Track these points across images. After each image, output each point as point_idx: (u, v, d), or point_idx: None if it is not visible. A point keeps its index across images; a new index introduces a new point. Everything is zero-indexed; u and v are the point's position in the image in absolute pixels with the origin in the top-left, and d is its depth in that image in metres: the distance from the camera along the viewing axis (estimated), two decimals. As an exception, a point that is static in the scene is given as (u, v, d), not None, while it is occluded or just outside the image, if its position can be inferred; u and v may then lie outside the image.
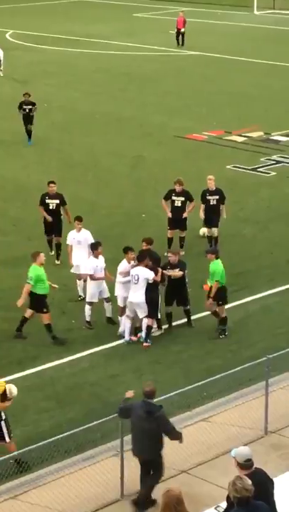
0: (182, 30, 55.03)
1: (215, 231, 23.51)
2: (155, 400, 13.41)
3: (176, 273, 19.35)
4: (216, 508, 11.88)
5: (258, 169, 31.11)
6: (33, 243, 23.55)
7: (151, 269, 19.00)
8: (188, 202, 23.72)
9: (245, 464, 10.69)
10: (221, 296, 19.21)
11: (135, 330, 19.27)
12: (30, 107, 33.02)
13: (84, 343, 19.10)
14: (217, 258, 19.19)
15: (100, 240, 20.61)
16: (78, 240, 21.02)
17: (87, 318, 19.76)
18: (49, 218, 23.01)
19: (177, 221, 23.67)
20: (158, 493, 13.09)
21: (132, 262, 19.23)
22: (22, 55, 52.25)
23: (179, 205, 23.67)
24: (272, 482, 11.06)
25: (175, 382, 16.47)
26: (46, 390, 17.19)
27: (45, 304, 19.06)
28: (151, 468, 13.50)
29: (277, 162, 31.89)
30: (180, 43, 55.39)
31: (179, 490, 10.39)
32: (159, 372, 17.91)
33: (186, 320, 19.84)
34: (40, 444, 13.49)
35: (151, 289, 18.92)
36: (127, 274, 19.09)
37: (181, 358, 18.52)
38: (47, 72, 47.70)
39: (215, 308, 19.33)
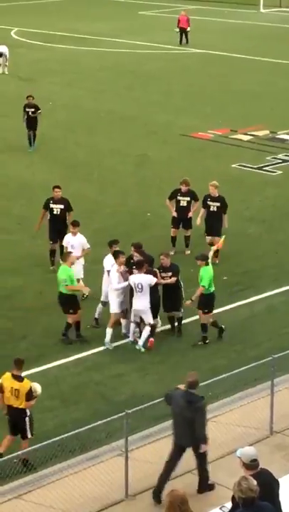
0: (188, 29, 54.87)
1: (217, 240, 23.13)
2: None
3: (169, 281, 19.14)
4: (221, 509, 11.85)
5: (264, 168, 31.04)
6: (37, 242, 23.53)
7: (149, 272, 18.89)
8: (193, 201, 23.65)
9: (251, 464, 10.66)
10: (207, 303, 18.87)
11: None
12: (33, 109, 32.68)
13: (89, 343, 19.05)
14: (207, 264, 18.93)
15: (110, 238, 20.34)
16: (72, 244, 20.97)
17: (96, 316, 19.72)
18: (38, 227, 22.80)
19: (183, 221, 23.61)
20: (163, 493, 13.07)
21: (123, 267, 19.06)
22: (27, 53, 52.20)
23: (185, 204, 23.60)
24: (277, 483, 11.02)
25: (180, 383, 16.37)
26: (51, 389, 17.12)
27: (72, 305, 19.05)
28: (195, 453, 13.72)
29: (283, 161, 31.80)
30: (184, 41, 55.23)
31: (183, 490, 10.38)
32: (164, 372, 17.87)
33: (181, 323, 19.47)
34: (45, 443, 13.47)
35: (150, 291, 18.82)
36: (123, 279, 18.94)
37: (186, 358, 18.46)
38: (51, 70, 47.65)
39: (210, 319, 19.05)
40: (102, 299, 19.70)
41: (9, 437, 15.02)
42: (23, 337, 19.36)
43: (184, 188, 23.61)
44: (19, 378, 14.87)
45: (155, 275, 18.98)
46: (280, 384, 16.34)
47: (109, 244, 19.73)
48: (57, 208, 22.69)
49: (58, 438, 13.53)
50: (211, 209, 23.14)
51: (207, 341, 18.90)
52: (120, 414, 13.73)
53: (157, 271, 19.17)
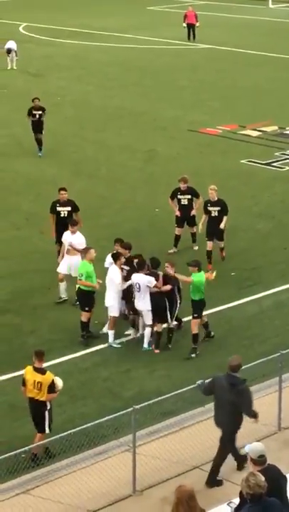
0: (197, 24, 54.76)
1: (221, 244, 22.80)
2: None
3: (164, 289, 18.72)
4: (228, 504, 11.81)
5: (272, 164, 30.96)
6: (45, 238, 23.51)
7: (151, 274, 18.73)
8: (194, 199, 23.49)
9: (259, 460, 10.65)
10: (197, 308, 18.59)
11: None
12: (40, 112, 32.37)
13: (97, 338, 19.04)
14: (199, 271, 18.56)
15: (116, 236, 20.35)
16: (70, 242, 20.81)
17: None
18: (52, 234, 22.39)
19: (186, 219, 23.41)
20: (171, 489, 13.06)
21: (124, 268, 18.98)
22: (35, 48, 52.22)
23: (186, 203, 23.34)
24: (285, 478, 11.01)
25: (187, 378, 16.39)
26: (58, 384, 17.15)
27: (88, 302, 19.00)
28: (225, 440, 13.90)
29: (292, 157, 31.78)
30: (192, 37, 55.11)
31: (191, 486, 10.40)
32: (172, 367, 17.86)
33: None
34: (52, 438, 13.48)
35: (153, 294, 18.58)
36: (124, 279, 18.85)
37: (194, 353, 18.45)
38: (60, 65, 47.64)
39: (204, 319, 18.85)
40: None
41: (38, 435, 14.88)
42: (31, 332, 19.37)
43: (182, 186, 23.41)
44: (41, 371, 14.84)
45: (157, 278, 18.73)
46: (288, 380, 16.32)
47: (115, 242, 19.68)
48: (64, 211, 22.27)
49: (65, 433, 13.55)
50: (212, 214, 22.62)
51: (197, 353, 18.37)
52: (128, 410, 13.74)
53: (160, 274, 18.85)
